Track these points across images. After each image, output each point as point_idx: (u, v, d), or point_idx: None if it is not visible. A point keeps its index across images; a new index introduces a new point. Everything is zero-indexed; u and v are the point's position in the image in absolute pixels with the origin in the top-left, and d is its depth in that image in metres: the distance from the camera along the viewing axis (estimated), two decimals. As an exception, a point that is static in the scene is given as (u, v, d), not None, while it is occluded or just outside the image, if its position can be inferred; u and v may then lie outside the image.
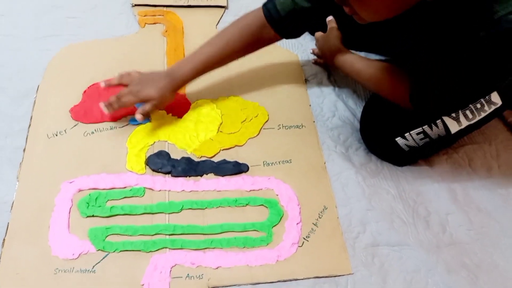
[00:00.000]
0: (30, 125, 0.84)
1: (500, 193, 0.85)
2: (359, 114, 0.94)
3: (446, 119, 0.78)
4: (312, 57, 1.03)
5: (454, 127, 0.79)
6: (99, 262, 0.70)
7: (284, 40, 1.05)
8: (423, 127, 0.80)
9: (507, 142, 0.93)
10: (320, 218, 0.78)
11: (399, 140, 0.81)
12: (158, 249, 0.72)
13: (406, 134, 0.81)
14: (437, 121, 0.79)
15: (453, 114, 0.78)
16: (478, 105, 0.77)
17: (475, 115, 0.78)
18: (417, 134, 0.80)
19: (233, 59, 0.88)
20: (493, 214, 0.82)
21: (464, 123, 0.79)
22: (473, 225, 0.80)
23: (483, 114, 0.78)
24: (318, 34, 0.98)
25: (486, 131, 0.92)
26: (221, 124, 0.88)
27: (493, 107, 0.78)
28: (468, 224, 0.80)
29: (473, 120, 0.79)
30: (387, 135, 0.83)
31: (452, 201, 0.83)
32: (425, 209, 0.82)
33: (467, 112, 0.78)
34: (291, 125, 0.90)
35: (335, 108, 0.94)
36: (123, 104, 0.82)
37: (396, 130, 0.82)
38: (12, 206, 0.74)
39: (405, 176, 0.86)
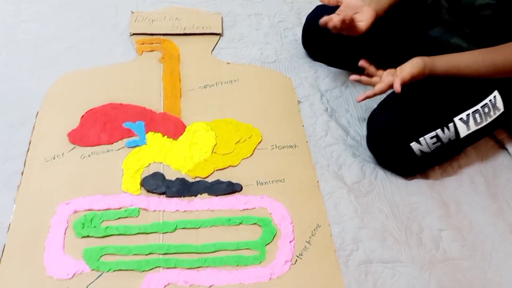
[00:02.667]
0: (28, 150, 0.86)
1: (492, 207, 0.86)
2: (352, 132, 0.96)
3: (457, 121, 0.82)
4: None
5: (463, 131, 0.83)
6: (93, 282, 0.70)
7: (277, 63, 1.09)
8: (436, 131, 0.82)
9: (497, 158, 0.94)
10: (313, 236, 0.79)
11: (413, 145, 0.83)
12: (152, 268, 0.72)
13: (421, 139, 0.83)
14: (449, 124, 0.82)
15: (464, 117, 0.82)
16: (486, 109, 0.82)
17: (482, 120, 0.83)
18: (431, 138, 0.83)
19: None
20: (485, 230, 0.82)
21: (473, 127, 0.83)
22: (466, 241, 0.81)
23: (489, 119, 0.84)
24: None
25: (478, 147, 0.94)
26: (215, 145, 0.90)
27: (497, 113, 0.84)
28: (461, 240, 0.81)
29: (481, 125, 0.84)
30: (401, 140, 0.84)
31: (446, 217, 0.83)
32: (418, 225, 0.82)
33: (477, 115, 0.82)
34: (284, 145, 0.92)
35: (327, 128, 0.95)
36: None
37: (411, 135, 0.84)
38: (8, 228, 0.75)
39: (399, 192, 0.87)
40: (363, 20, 0.86)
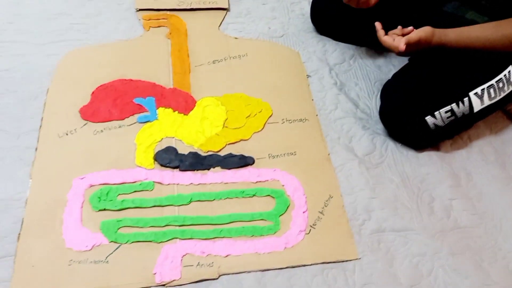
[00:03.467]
0: (41, 126, 0.87)
1: (501, 177, 0.87)
2: (362, 105, 0.96)
3: (472, 96, 0.82)
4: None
5: (477, 105, 0.83)
6: (112, 253, 0.72)
7: (284, 38, 1.08)
8: (451, 105, 0.83)
9: (506, 129, 0.95)
10: (326, 206, 0.80)
11: (428, 118, 0.83)
12: (169, 240, 0.74)
13: (436, 112, 0.83)
14: (464, 99, 0.82)
15: (479, 92, 0.82)
16: (501, 84, 0.82)
17: (496, 94, 0.84)
18: (446, 112, 0.83)
19: None
20: (495, 198, 0.83)
21: (487, 101, 0.83)
22: (476, 209, 0.82)
23: (503, 94, 0.84)
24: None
25: (487, 118, 0.94)
26: (226, 120, 0.91)
27: (511, 88, 0.84)
28: (471, 209, 0.82)
29: (494, 100, 0.84)
30: (417, 114, 0.84)
31: (456, 187, 0.84)
32: (429, 195, 0.83)
33: (491, 90, 0.83)
34: (295, 119, 0.92)
35: (337, 101, 0.96)
36: None
37: (427, 109, 0.83)
38: (26, 203, 0.76)
39: (409, 163, 0.87)
40: None
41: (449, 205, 0.82)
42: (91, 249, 0.72)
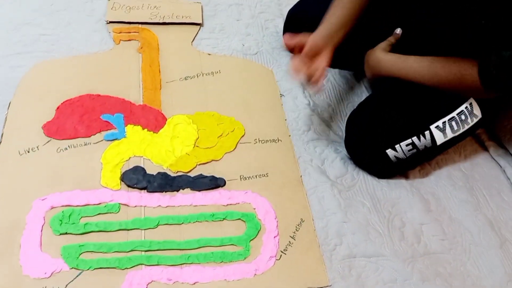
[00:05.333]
0: (0, 142, 0.82)
1: (470, 201, 0.88)
2: (334, 127, 0.96)
3: (433, 130, 0.82)
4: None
5: (440, 139, 0.83)
6: (72, 281, 0.68)
7: (258, 55, 1.07)
8: (412, 138, 0.82)
9: (475, 153, 0.96)
10: (297, 231, 0.79)
11: (389, 151, 0.83)
12: (134, 266, 0.71)
13: (397, 146, 0.83)
14: (425, 132, 0.82)
15: (440, 125, 0.82)
16: (463, 117, 0.82)
17: (459, 127, 0.83)
18: (406, 145, 0.83)
19: None
20: (464, 223, 0.84)
21: (449, 134, 0.83)
22: (446, 234, 0.82)
23: (466, 126, 0.83)
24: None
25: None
26: (197, 139, 0.88)
27: (475, 120, 0.83)
28: (441, 234, 0.82)
29: (458, 132, 0.83)
30: (377, 147, 0.84)
31: (426, 212, 0.85)
32: (400, 220, 0.83)
33: (453, 123, 0.82)
34: (267, 139, 0.91)
35: (310, 122, 0.95)
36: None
37: (387, 142, 0.83)
38: (-19, 225, 0.72)
39: (380, 187, 0.87)
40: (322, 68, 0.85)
41: (419, 230, 0.82)
42: (50, 276, 0.68)
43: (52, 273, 0.68)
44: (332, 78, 1.05)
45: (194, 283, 0.70)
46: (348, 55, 0.95)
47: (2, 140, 0.83)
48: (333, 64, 1.04)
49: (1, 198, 0.75)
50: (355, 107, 0.93)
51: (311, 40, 0.85)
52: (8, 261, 0.69)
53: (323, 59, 0.84)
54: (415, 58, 0.84)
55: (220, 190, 0.82)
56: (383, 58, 0.89)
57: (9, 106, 0.88)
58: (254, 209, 0.80)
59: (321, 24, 0.86)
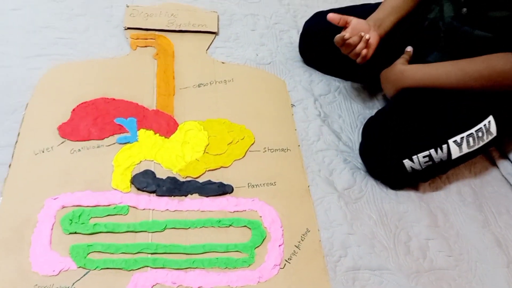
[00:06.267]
0: (17, 142, 0.84)
1: (478, 218, 0.87)
2: (344, 138, 0.96)
3: (451, 144, 0.83)
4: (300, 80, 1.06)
5: (455, 153, 0.83)
6: (79, 280, 0.69)
7: (272, 65, 1.08)
8: (430, 151, 0.83)
9: (485, 170, 0.96)
10: (302, 240, 0.79)
11: (406, 162, 0.83)
12: (140, 268, 0.72)
13: (414, 157, 0.83)
14: (443, 145, 0.83)
15: (458, 140, 0.82)
16: (480, 134, 0.83)
17: (475, 144, 0.84)
18: (424, 157, 0.83)
19: None
20: (471, 240, 0.84)
21: (465, 150, 0.84)
22: (452, 251, 0.82)
23: (481, 143, 0.84)
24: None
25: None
26: (207, 145, 0.90)
27: (490, 137, 0.84)
28: (447, 250, 0.82)
29: (472, 148, 0.84)
30: (394, 156, 0.84)
31: (433, 227, 0.84)
32: (406, 234, 0.83)
33: (470, 139, 0.83)
34: (277, 148, 0.92)
35: (320, 132, 0.96)
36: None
37: (405, 152, 0.84)
38: (-6, 221, 0.74)
39: (388, 200, 0.87)
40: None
41: (425, 245, 0.82)
42: (58, 274, 0.69)
43: (60, 271, 0.70)
44: (344, 90, 1.06)
45: (197, 288, 0.71)
46: (361, 68, 0.96)
47: (19, 139, 0.85)
48: (345, 76, 1.05)
49: (15, 196, 0.77)
50: (370, 116, 0.94)
51: (354, 23, 0.89)
52: (18, 257, 0.70)
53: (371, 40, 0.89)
54: (439, 63, 0.86)
55: (227, 196, 0.83)
56: (407, 68, 0.90)
57: (26, 106, 0.90)
58: (261, 217, 0.81)
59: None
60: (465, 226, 0.86)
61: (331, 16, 0.90)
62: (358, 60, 0.91)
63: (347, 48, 0.90)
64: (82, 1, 1.15)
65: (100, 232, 0.75)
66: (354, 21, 0.91)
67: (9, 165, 0.81)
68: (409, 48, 0.94)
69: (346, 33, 0.89)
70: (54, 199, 0.77)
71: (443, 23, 0.88)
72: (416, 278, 0.77)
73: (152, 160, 0.86)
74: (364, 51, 0.90)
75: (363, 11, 0.95)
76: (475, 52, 0.83)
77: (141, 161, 0.85)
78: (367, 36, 0.89)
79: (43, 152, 0.84)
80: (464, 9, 0.83)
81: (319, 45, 1.03)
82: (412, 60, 0.93)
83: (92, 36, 1.08)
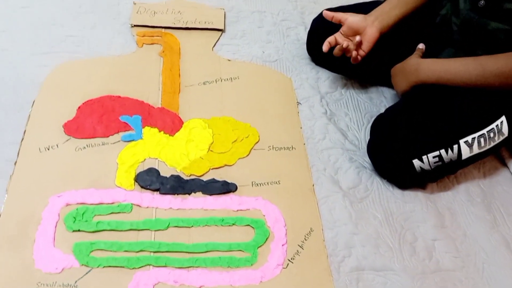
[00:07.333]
0: (23, 139, 0.85)
1: (486, 219, 0.85)
2: (351, 136, 0.95)
3: (462, 144, 0.81)
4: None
5: (466, 153, 0.82)
6: (81, 278, 0.69)
7: (278, 63, 1.08)
8: (440, 151, 0.81)
9: (495, 170, 0.94)
10: (306, 240, 0.78)
11: (415, 162, 0.82)
12: (142, 266, 0.72)
13: (424, 157, 0.82)
14: (454, 146, 0.81)
15: (469, 140, 0.81)
16: (492, 134, 0.81)
17: (486, 144, 0.82)
18: (433, 157, 0.82)
19: None
20: (479, 241, 0.82)
21: (476, 150, 0.82)
22: (459, 252, 0.80)
23: (492, 144, 0.82)
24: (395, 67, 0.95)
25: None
26: (212, 143, 0.89)
27: (501, 138, 0.82)
28: (454, 251, 0.80)
29: (483, 149, 0.82)
30: (404, 155, 0.83)
31: (440, 227, 0.83)
32: (412, 234, 0.82)
33: (481, 139, 0.81)
34: (282, 147, 0.91)
35: (326, 131, 0.95)
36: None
37: (415, 152, 0.82)
38: (-1, 218, 0.74)
39: (394, 200, 0.86)
40: (364, 47, 0.91)
41: (431, 246, 0.80)
42: (61, 271, 0.70)
43: (63, 269, 0.70)
44: (351, 88, 1.05)
45: (199, 287, 0.71)
46: (369, 67, 0.95)
47: (24, 137, 0.86)
48: (352, 74, 1.04)
49: (19, 193, 0.78)
50: (379, 113, 0.92)
51: (350, 20, 0.89)
52: (21, 254, 0.71)
53: (365, 41, 0.89)
54: (457, 58, 0.84)
55: (231, 195, 0.82)
56: (423, 61, 0.87)
57: (33, 104, 0.91)
58: (264, 216, 0.80)
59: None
60: (472, 227, 0.84)
61: (325, 13, 0.93)
62: (351, 60, 0.92)
63: (339, 51, 0.91)
64: (89, -1, 1.15)
65: (103, 230, 0.75)
66: (349, 19, 0.90)
67: (15, 162, 0.81)
68: (421, 45, 0.92)
69: (332, 38, 0.92)
70: (59, 196, 0.78)
71: (458, 17, 0.86)
72: (422, 279, 0.76)
73: (156, 158, 0.86)
74: (354, 53, 0.89)
75: (372, 9, 0.93)
76: (491, 45, 0.81)
77: (145, 159, 0.85)
78: (357, 39, 0.88)
79: (48, 149, 0.84)
80: (482, 2, 0.81)
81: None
82: (424, 58, 0.91)
83: (99, 33, 1.08)
